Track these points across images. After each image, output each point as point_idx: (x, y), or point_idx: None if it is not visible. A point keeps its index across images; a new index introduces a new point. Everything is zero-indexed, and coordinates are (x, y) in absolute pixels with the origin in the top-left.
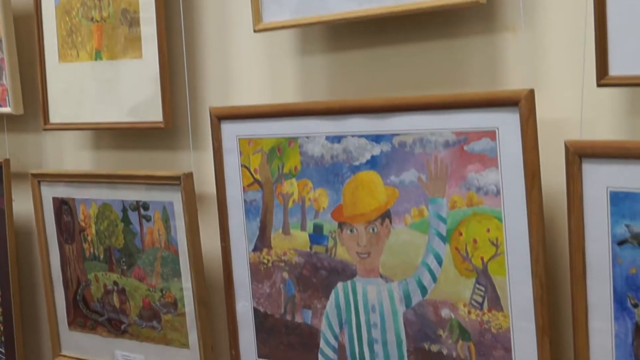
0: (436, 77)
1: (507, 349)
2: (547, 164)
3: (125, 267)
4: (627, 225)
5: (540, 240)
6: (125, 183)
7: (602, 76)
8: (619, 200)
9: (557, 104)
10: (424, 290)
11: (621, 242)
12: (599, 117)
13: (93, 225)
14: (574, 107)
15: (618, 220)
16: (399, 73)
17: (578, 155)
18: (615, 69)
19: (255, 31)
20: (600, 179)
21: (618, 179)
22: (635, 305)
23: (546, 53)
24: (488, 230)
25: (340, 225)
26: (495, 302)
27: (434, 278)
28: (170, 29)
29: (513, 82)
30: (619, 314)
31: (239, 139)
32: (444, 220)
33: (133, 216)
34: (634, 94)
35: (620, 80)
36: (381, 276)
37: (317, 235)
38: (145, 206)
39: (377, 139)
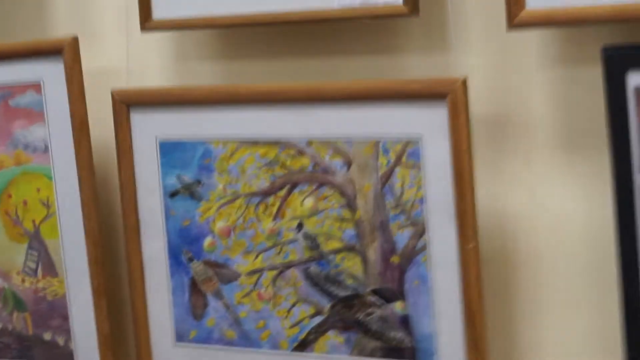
0: None
1: (65, 317)
2: (98, 116)
3: None
4: (177, 176)
5: (92, 197)
6: None
7: (146, 20)
8: (168, 150)
9: (106, 52)
10: None
11: (173, 194)
12: (148, 63)
13: None
14: (124, 55)
15: (169, 171)
16: None
17: (125, 104)
18: (159, 13)
19: None
20: (150, 129)
21: (167, 128)
22: (190, 259)
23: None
24: (38, 190)
25: None
26: (49, 267)
27: None
28: None
29: (63, 30)
30: (174, 269)
31: None
32: None
33: None
34: (179, 38)
35: (161, 24)
36: None
37: None
38: None
39: None
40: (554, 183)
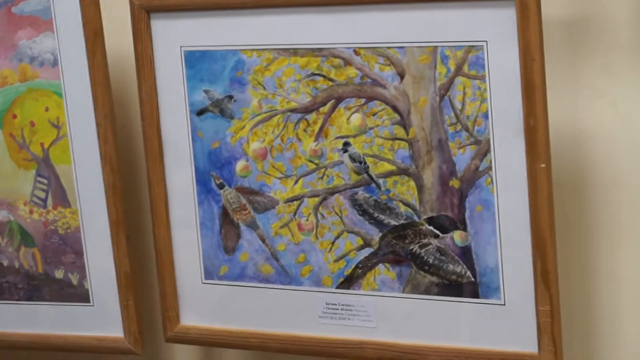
0: None
1: (79, 252)
2: (114, 23)
3: None
4: (205, 91)
5: (108, 116)
6: None
7: None
8: (194, 62)
9: None
10: None
11: (201, 112)
12: None
13: None
14: None
15: (195, 86)
16: None
17: (145, 9)
18: None
19: None
20: (173, 37)
21: (193, 36)
22: (221, 186)
23: None
24: (47, 109)
25: None
26: (61, 196)
27: None
28: None
29: None
30: (203, 197)
31: None
32: None
33: None
34: None
35: None
36: None
37: None
38: None
39: None
40: None
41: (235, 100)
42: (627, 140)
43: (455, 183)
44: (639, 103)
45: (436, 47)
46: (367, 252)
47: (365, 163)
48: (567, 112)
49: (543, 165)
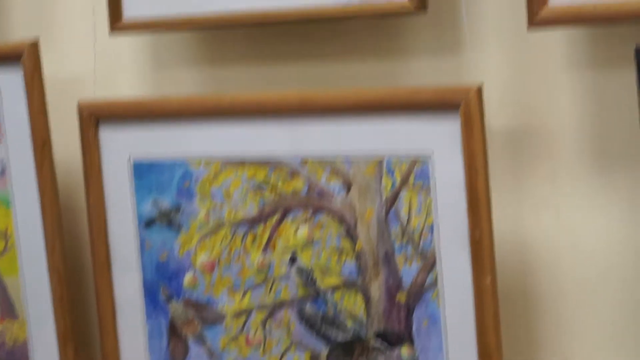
0: None
1: None
2: (62, 132)
3: None
4: (154, 202)
5: (56, 227)
6: None
7: (116, 20)
8: (143, 172)
9: (71, 58)
10: None
11: (149, 223)
12: (119, 70)
13: None
14: (91, 61)
15: (144, 196)
16: None
17: (93, 118)
18: (131, 12)
19: None
20: (121, 147)
21: (141, 146)
22: (169, 299)
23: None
24: None
25: None
26: (8, 308)
27: None
28: None
29: (21, 33)
30: (150, 310)
31: None
32: None
33: None
34: (154, 41)
35: (133, 25)
36: None
37: None
38: None
39: None
40: (584, 205)
41: (183, 211)
42: (571, 250)
43: (401, 297)
44: (582, 213)
45: (382, 159)
46: None
47: (312, 276)
48: (511, 222)
49: (489, 279)
